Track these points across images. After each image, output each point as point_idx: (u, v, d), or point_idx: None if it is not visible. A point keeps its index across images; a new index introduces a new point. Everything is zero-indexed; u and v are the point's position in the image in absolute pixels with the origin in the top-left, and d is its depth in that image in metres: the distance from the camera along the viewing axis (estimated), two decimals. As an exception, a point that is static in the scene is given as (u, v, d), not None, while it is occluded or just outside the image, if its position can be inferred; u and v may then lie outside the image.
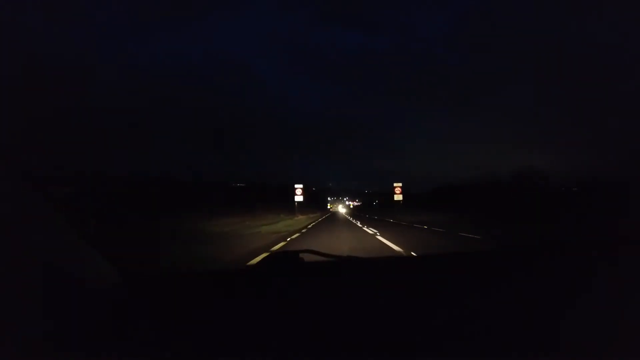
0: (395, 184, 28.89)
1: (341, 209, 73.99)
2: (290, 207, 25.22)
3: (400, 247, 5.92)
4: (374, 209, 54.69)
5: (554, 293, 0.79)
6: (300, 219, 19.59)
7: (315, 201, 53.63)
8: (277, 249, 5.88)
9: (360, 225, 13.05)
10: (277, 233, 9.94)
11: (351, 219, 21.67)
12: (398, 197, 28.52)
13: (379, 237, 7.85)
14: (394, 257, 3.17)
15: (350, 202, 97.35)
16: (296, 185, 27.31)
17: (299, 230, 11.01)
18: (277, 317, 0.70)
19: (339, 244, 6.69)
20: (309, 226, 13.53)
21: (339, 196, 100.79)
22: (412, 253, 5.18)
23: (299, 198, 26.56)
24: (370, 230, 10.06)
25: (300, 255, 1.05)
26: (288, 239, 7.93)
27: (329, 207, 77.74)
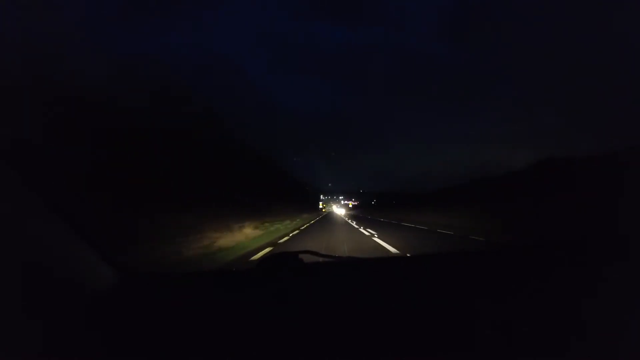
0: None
1: (337, 210, 59.46)
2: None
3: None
4: (377, 208, 46.26)
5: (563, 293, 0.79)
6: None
7: (306, 201, 41.72)
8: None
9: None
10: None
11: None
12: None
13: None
14: (393, 257, 3.08)
15: (347, 202, 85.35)
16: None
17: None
18: (275, 318, 0.69)
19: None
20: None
21: (333, 195, 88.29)
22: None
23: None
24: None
25: (300, 255, 1.06)
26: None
27: (321, 207, 62.64)
